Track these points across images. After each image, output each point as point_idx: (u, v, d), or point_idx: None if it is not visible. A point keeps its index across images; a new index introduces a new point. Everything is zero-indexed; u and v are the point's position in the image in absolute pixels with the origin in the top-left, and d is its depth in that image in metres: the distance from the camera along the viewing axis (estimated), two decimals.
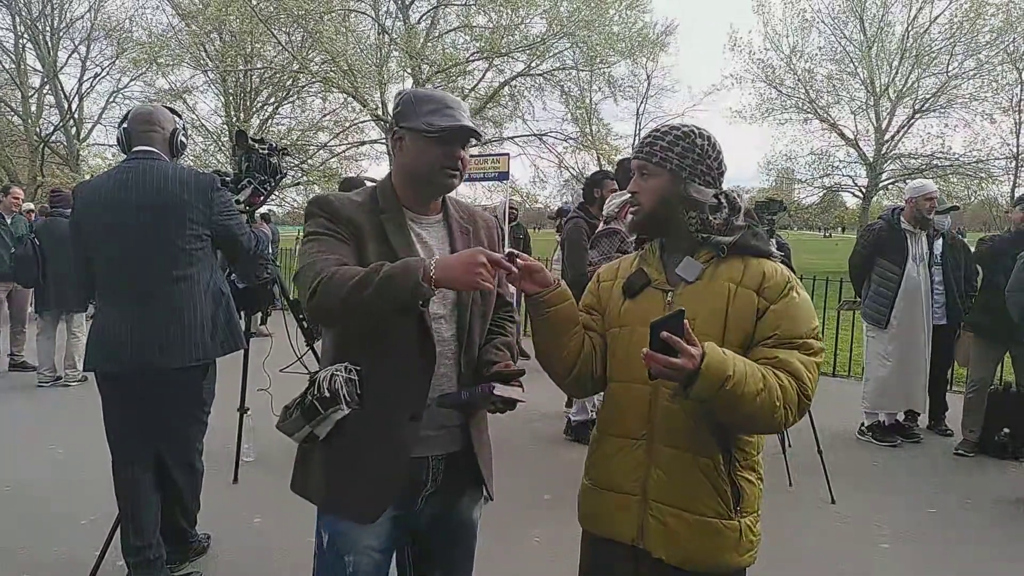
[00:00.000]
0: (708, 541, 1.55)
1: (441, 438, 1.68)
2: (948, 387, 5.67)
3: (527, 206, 24.39)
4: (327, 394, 1.55)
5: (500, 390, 1.54)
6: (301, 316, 3.97)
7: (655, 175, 1.61)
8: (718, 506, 1.55)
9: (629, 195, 1.66)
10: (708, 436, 1.54)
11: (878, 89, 23.36)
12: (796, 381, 1.49)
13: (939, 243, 5.23)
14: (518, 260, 1.54)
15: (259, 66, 20.10)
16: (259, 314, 4.71)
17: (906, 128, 23.64)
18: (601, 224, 4.50)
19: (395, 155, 1.68)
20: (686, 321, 1.38)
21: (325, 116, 22.29)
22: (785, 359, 1.50)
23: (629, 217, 1.68)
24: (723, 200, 1.61)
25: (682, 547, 1.55)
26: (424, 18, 20.54)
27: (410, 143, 1.63)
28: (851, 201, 29.40)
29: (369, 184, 1.80)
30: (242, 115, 20.86)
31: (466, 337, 1.68)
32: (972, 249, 5.52)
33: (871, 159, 23.84)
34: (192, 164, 17.66)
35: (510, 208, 9.31)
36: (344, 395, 1.55)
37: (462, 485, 1.77)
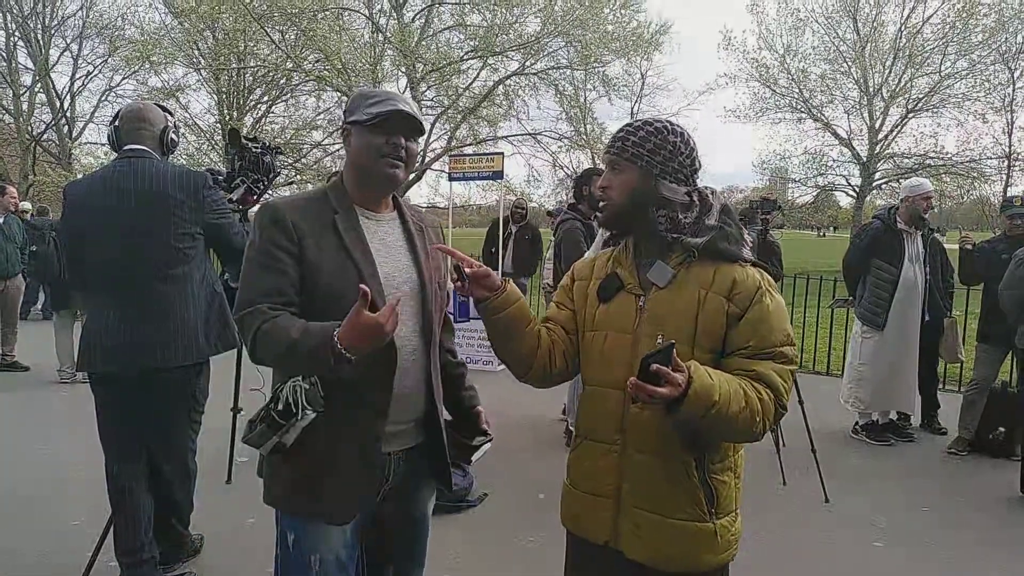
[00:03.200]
0: (682, 543, 1.56)
1: (405, 433, 1.73)
2: (939, 385, 5.67)
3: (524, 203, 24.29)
4: (291, 405, 1.57)
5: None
6: None
7: (625, 171, 1.59)
8: (691, 509, 1.56)
9: (600, 190, 1.66)
10: (680, 442, 1.55)
11: (871, 89, 23.42)
12: (773, 393, 1.51)
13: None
14: (466, 270, 1.59)
15: (252, 64, 20.02)
16: None
17: (899, 128, 23.71)
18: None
19: (346, 153, 1.74)
20: (674, 352, 1.38)
21: (319, 115, 22.24)
22: (762, 372, 1.51)
23: (600, 212, 1.69)
24: (695, 198, 1.59)
25: (655, 549, 1.57)
26: (418, 16, 20.50)
27: (355, 136, 1.68)
28: (844, 200, 29.53)
29: (321, 185, 1.85)
30: (235, 113, 20.77)
31: (431, 330, 1.74)
32: (946, 247, 5.54)
33: (864, 158, 23.91)
34: (185, 163, 17.58)
35: (517, 208, 9.16)
36: (304, 403, 1.56)
37: (419, 479, 1.82)
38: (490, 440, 1.91)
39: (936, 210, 6.23)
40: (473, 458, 1.88)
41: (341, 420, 1.61)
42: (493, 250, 9.04)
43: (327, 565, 1.65)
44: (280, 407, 1.57)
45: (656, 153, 1.58)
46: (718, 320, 1.53)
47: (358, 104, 1.67)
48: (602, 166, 1.85)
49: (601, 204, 1.66)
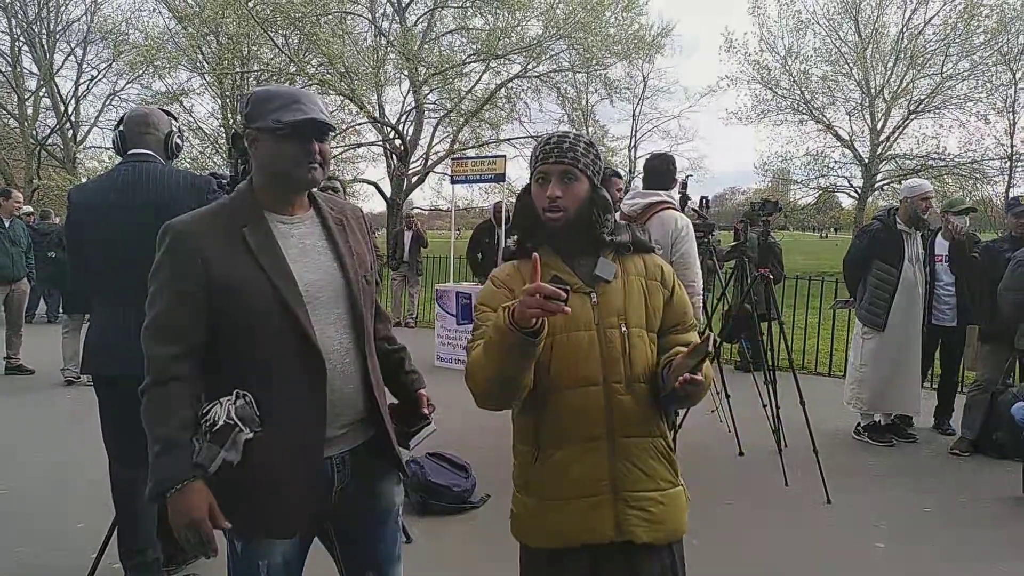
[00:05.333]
0: (674, 510, 1.69)
1: (347, 435, 1.70)
2: (959, 389, 5.65)
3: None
4: (228, 421, 1.53)
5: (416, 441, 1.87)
6: None
7: (578, 180, 1.66)
8: (671, 476, 1.71)
9: (548, 200, 1.65)
10: (655, 417, 1.69)
11: (873, 90, 23.42)
12: None
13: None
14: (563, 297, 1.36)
15: (256, 68, 20.09)
16: None
17: (901, 129, 23.72)
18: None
19: (252, 158, 1.65)
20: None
21: None
22: (692, 340, 1.70)
23: (553, 221, 1.66)
24: None
25: (660, 524, 1.65)
26: (421, 20, 20.58)
27: (263, 143, 1.60)
28: (847, 202, 29.50)
29: (226, 196, 1.75)
30: (239, 117, 20.82)
31: (362, 328, 1.70)
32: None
33: (866, 160, 23.90)
34: (189, 166, 17.64)
35: (499, 212, 9.18)
36: (240, 420, 1.53)
37: (375, 474, 1.79)
38: (429, 423, 1.89)
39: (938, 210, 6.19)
40: (411, 444, 1.87)
41: (278, 434, 1.57)
42: (480, 255, 9.01)
43: (275, 570, 1.64)
44: (215, 427, 1.53)
45: (596, 162, 1.71)
46: (659, 304, 1.73)
47: (261, 109, 1.59)
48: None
49: (555, 215, 1.65)
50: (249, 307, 1.56)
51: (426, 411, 1.90)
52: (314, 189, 1.73)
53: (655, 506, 1.65)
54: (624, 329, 1.65)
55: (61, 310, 7.22)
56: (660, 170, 3.73)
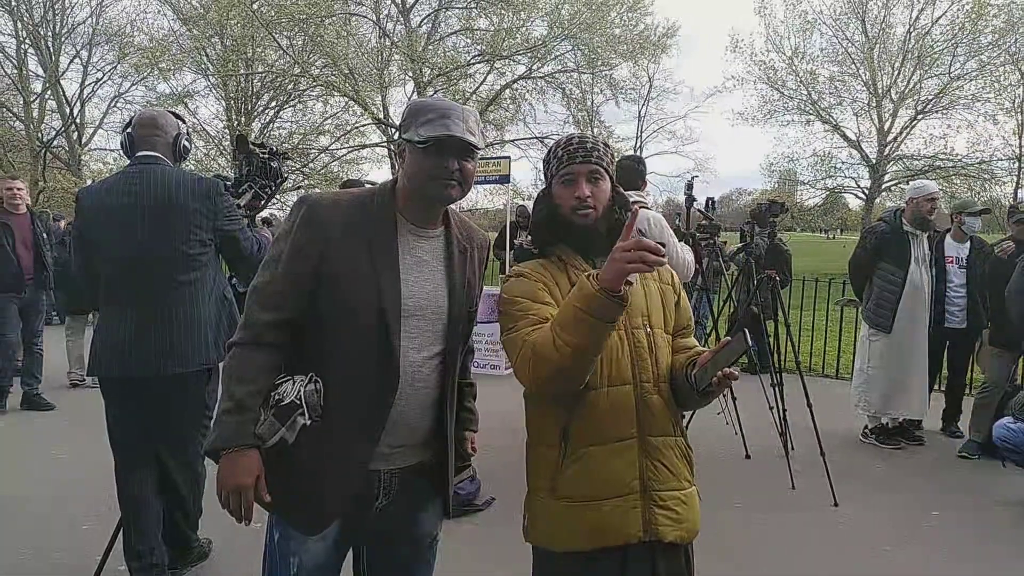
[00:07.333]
0: (693, 509, 1.71)
1: (399, 455, 1.68)
2: (967, 391, 5.62)
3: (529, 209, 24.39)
4: (296, 400, 1.55)
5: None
6: None
7: (603, 178, 1.70)
8: (690, 475, 1.73)
9: (578, 200, 1.67)
10: (678, 416, 1.74)
11: (880, 90, 23.34)
12: None
13: (966, 245, 5.19)
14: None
15: (260, 70, 20.16)
16: None
17: (908, 129, 23.64)
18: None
19: (399, 165, 1.67)
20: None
21: (326, 120, 22.41)
22: (695, 344, 1.79)
23: (584, 219, 1.68)
24: None
25: (684, 523, 1.67)
26: (425, 21, 20.62)
27: (408, 154, 1.61)
28: (854, 203, 29.43)
29: (370, 187, 1.77)
30: (243, 119, 20.91)
31: (452, 358, 1.69)
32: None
33: (874, 160, 23.82)
34: (193, 168, 17.71)
35: (522, 216, 9.18)
36: (305, 404, 1.55)
37: (420, 498, 1.76)
38: (467, 467, 1.90)
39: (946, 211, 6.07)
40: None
41: (329, 433, 1.57)
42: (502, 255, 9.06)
43: (304, 570, 1.64)
44: (282, 403, 1.55)
45: (612, 163, 1.75)
46: (672, 308, 1.78)
47: (412, 120, 1.58)
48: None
49: (585, 212, 1.67)
50: (348, 301, 1.57)
51: (470, 451, 1.89)
52: (451, 206, 1.73)
53: (679, 505, 1.67)
54: (649, 329, 1.69)
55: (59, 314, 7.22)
56: (631, 170, 3.76)
